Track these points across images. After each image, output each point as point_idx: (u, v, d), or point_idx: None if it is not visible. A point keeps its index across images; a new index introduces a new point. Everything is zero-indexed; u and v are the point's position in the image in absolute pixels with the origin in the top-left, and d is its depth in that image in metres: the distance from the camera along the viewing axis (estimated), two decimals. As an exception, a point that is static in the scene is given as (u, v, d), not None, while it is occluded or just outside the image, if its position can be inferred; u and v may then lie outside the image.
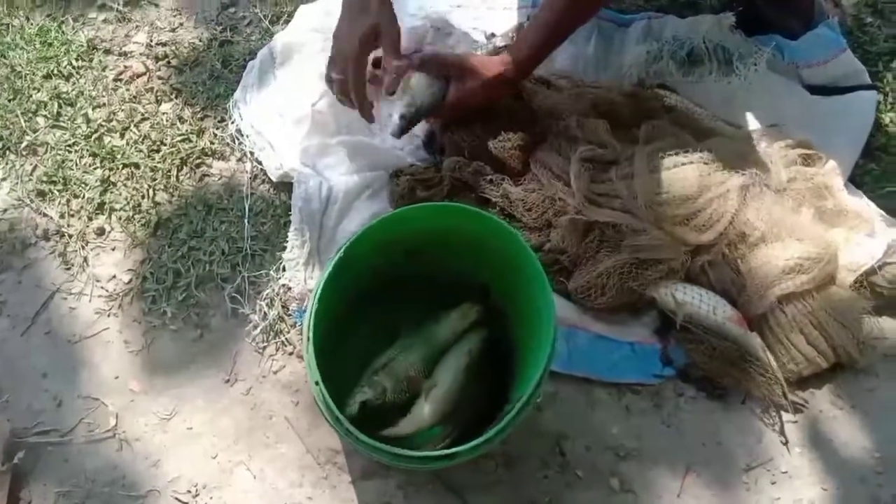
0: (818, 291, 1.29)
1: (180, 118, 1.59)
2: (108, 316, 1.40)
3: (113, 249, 1.46)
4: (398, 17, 1.59)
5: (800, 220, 1.35)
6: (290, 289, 1.38)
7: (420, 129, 1.50)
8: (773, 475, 1.25)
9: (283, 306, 1.38)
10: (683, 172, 1.31)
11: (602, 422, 1.30)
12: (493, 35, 1.62)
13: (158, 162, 1.53)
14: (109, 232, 1.47)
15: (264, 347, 1.36)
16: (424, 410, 1.22)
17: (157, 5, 1.79)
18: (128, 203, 1.49)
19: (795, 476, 1.25)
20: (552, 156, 1.39)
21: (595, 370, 1.32)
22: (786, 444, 1.27)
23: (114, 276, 1.43)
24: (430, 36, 1.62)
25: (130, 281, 1.43)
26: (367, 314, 1.31)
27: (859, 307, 1.31)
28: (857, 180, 1.48)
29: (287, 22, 1.71)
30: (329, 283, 1.12)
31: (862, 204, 1.42)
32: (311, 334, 1.07)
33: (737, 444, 1.28)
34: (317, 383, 1.05)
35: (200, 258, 1.43)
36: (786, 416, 1.29)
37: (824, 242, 1.31)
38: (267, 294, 1.39)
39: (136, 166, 1.52)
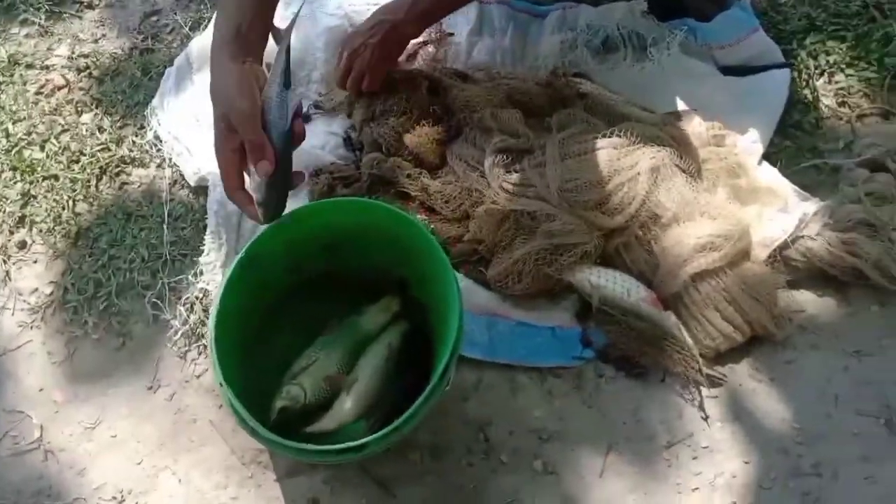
0: (731, 268, 1.30)
1: (100, 128, 1.59)
2: (31, 328, 1.40)
3: (35, 262, 1.46)
4: (316, 16, 1.61)
5: (713, 199, 1.36)
6: (208, 292, 1.37)
7: (339, 126, 1.51)
8: (694, 450, 1.26)
9: (203, 310, 1.38)
10: (594, 158, 1.33)
11: (525, 406, 1.30)
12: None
13: (78, 173, 1.53)
14: (31, 245, 1.47)
15: (186, 352, 1.36)
16: (346, 405, 1.22)
17: (80, 17, 1.80)
18: (48, 215, 1.49)
19: (716, 450, 1.26)
20: (467, 148, 1.41)
21: (517, 356, 1.33)
22: (706, 419, 1.28)
23: (36, 289, 1.43)
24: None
25: (52, 293, 1.42)
26: (290, 312, 1.31)
27: (773, 281, 1.32)
28: (772, 158, 1.49)
29: (207, 28, 1.71)
30: (233, 283, 1.12)
31: (776, 180, 1.43)
32: (213, 337, 1.07)
33: (657, 421, 1.28)
34: (221, 385, 1.05)
35: (121, 266, 1.43)
36: (705, 392, 1.29)
37: (736, 219, 1.32)
38: (187, 299, 1.39)
39: (56, 178, 1.52)
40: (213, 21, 1.65)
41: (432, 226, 1.38)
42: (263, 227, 1.16)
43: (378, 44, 1.44)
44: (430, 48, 1.57)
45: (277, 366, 1.24)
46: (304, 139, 1.17)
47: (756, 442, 1.26)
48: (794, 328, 1.34)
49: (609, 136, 1.36)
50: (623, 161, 1.34)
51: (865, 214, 1.36)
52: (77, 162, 1.54)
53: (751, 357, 1.33)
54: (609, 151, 1.34)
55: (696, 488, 1.23)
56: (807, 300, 1.37)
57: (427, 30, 1.57)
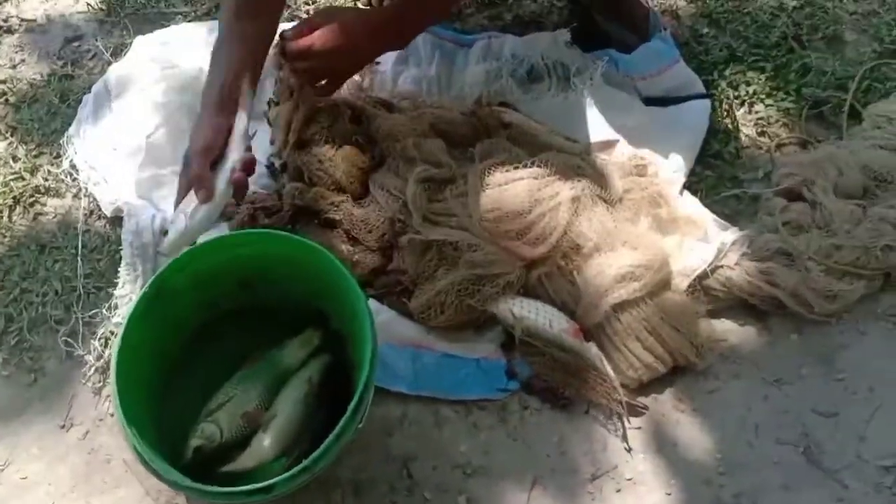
0: (652, 298, 1.31)
1: (14, 157, 1.54)
2: (-65, 366, 1.34)
3: (-62, 302, 1.40)
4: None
5: (634, 230, 1.37)
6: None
7: (261, 154, 1.48)
8: (618, 483, 1.25)
9: (118, 345, 1.33)
10: (515, 188, 1.33)
11: (450, 440, 1.29)
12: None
13: (-10, 204, 1.48)
14: (-64, 277, 1.42)
15: (101, 388, 1.32)
16: (264, 443, 1.19)
17: (-1, 42, 1.75)
18: (-44, 247, 1.43)
19: (640, 482, 1.26)
20: (390, 177, 1.40)
21: (441, 389, 1.31)
22: (629, 450, 1.28)
23: (-59, 325, 1.37)
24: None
25: (-41, 328, 1.37)
26: (210, 346, 1.28)
27: (693, 311, 1.33)
28: (693, 187, 1.52)
29: (127, 53, 1.68)
30: (139, 317, 1.09)
31: (696, 210, 1.45)
32: (115, 373, 1.04)
33: (582, 453, 1.28)
34: (124, 425, 1.02)
35: (33, 300, 1.39)
36: (629, 423, 1.29)
37: (656, 249, 1.33)
38: (102, 333, 1.34)
39: (-35, 210, 1.47)
40: (133, 47, 1.63)
41: (356, 256, 1.36)
42: (170, 260, 1.13)
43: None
44: (356, 76, 1.55)
45: (197, 401, 1.21)
46: (245, 190, 1.24)
47: (679, 473, 1.26)
48: (716, 357, 1.35)
49: (530, 167, 1.36)
50: (544, 191, 1.34)
51: (782, 244, 1.38)
52: (-11, 193, 1.49)
53: (674, 387, 1.34)
54: (530, 182, 1.34)
55: (619, 522, 1.23)
56: (728, 329, 1.38)
57: None
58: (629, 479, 1.26)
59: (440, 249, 1.32)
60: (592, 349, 1.28)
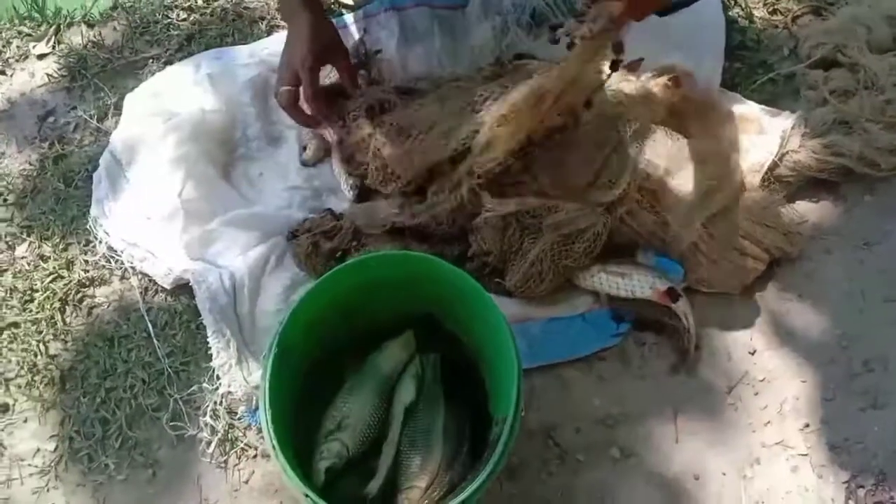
0: (734, 203, 1.30)
1: (42, 257, 1.45)
2: (48, 491, 1.28)
3: (25, 421, 1.33)
4: (232, 71, 1.51)
5: (696, 143, 1.36)
6: (232, 394, 1.28)
7: (297, 177, 1.45)
8: (753, 386, 1.27)
9: (229, 413, 1.29)
10: (574, 137, 1.29)
11: (582, 399, 1.28)
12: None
13: (37, 312, 1.40)
14: (14, 405, 1.34)
15: (226, 461, 1.27)
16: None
17: (-34, 141, 1.63)
18: (21, 368, 1.36)
19: (772, 379, 1.27)
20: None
21: (557, 353, 1.30)
22: (753, 353, 1.29)
23: (38, 450, 1.31)
24: (274, 79, 1.54)
25: (57, 447, 1.30)
26: (320, 380, 1.24)
27: (775, 203, 1.35)
28: (729, 83, 1.50)
29: (116, 115, 1.58)
30: (274, 382, 1.05)
31: (742, 106, 1.44)
32: (276, 448, 1.00)
33: (710, 369, 1.29)
34: (307, 496, 0.98)
35: (122, 396, 1.32)
36: (745, 327, 1.31)
37: (724, 156, 1.32)
38: (207, 407, 1.29)
39: (16, 325, 1.39)
40: (124, 108, 1.53)
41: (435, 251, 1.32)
42: (283, 320, 1.09)
43: None
44: (362, 72, 1.49)
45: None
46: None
47: (806, 359, 1.29)
48: (804, 240, 1.36)
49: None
50: (601, 133, 1.31)
51: (836, 114, 1.39)
52: (31, 301, 1.41)
53: (774, 280, 1.35)
54: (585, 129, 1.30)
55: (768, 422, 1.24)
56: (806, 209, 1.40)
57: (353, 52, 1.50)
58: (762, 380, 1.28)
59: (519, 221, 1.29)
60: (680, 306, 1.28)
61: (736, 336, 1.31)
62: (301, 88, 1.40)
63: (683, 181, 1.31)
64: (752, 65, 1.53)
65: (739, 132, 1.39)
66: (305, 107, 1.42)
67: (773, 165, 1.36)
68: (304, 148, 1.48)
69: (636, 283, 1.28)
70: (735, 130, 1.40)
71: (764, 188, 1.35)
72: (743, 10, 1.57)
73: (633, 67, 1.46)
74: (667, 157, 1.32)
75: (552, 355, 1.30)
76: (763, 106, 1.44)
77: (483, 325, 1.15)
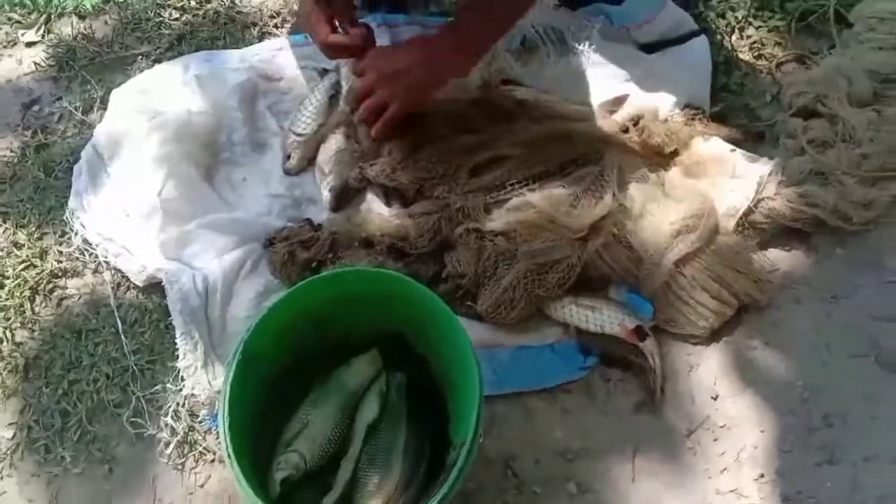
0: (708, 245, 1.32)
1: (16, 244, 1.44)
2: (2, 478, 1.27)
3: (-15, 408, 1.32)
4: (221, 75, 1.51)
5: (672, 179, 1.37)
6: (195, 396, 1.28)
7: (279, 184, 1.45)
8: (714, 432, 1.28)
9: (190, 415, 1.28)
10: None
11: (543, 430, 1.29)
12: (325, 70, 1.56)
13: (6, 299, 1.39)
14: (-25, 390, 1.33)
15: (183, 463, 1.26)
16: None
17: (-52, 124, 1.62)
18: (-14, 353, 1.35)
19: (733, 426, 1.28)
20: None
21: (523, 382, 1.31)
22: (716, 398, 1.31)
23: (-5, 437, 1.30)
24: (262, 86, 1.55)
25: (15, 435, 1.29)
26: (285, 390, 1.24)
27: (747, 249, 1.36)
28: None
29: (102, 107, 1.58)
30: (236, 389, 1.05)
31: (721, 147, 1.45)
32: (231, 451, 1.00)
33: (673, 411, 1.29)
34: (259, 505, 0.98)
35: (85, 389, 1.31)
36: (709, 371, 1.32)
37: (700, 197, 1.34)
38: (169, 408, 1.29)
39: (-17, 310, 1.38)
40: (111, 103, 1.53)
41: (409, 269, 1.33)
42: (251, 325, 1.09)
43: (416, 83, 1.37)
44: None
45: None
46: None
47: (766, 408, 1.30)
48: (774, 289, 1.37)
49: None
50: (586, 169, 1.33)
51: (813, 164, 1.40)
52: (1, 287, 1.40)
53: (742, 326, 1.36)
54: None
55: (725, 469, 1.25)
56: (778, 258, 1.41)
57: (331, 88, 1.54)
58: (722, 426, 1.29)
59: (496, 245, 1.30)
60: (647, 346, 1.29)
61: (700, 379, 1.32)
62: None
63: (659, 218, 1.32)
64: (733, 107, 1.55)
65: (714, 174, 1.41)
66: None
67: (748, 211, 1.37)
68: (288, 157, 1.49)
69: (605, 319, 1.29)
70: (713, 171, 1.42)
71: (738, 233, 1.37)
72: (729, 52, 1.59)
73: (619, 102, 1.48)
74: (645, 193, 1.33)
75: (518, 384, 1.31)
76: (742, 150, 1.45)
77: (450, 349, 1.15)
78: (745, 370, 1.33)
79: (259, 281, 1.36)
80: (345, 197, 1.44)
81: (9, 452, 1.28)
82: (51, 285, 1.41)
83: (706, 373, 1.32)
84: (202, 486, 1.26)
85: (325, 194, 1.44)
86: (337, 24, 1.41)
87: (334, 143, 1.46)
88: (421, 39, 1.41)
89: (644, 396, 1.30)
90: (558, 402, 1.31)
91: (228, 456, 1.02)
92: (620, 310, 1.30)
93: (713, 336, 1.34)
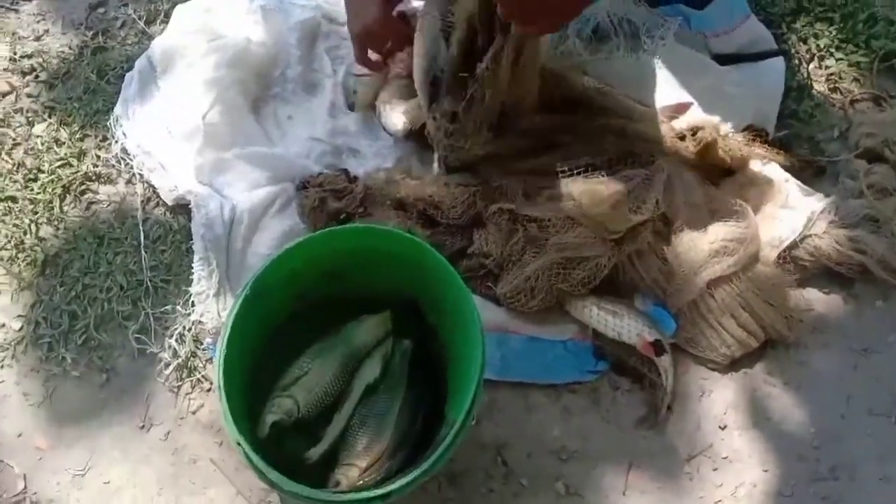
0: (744, 272, 1.28)
1: (57, 140, 1.45)
2: (2, 368, 1.29)
3: (-3, 294, 1.33)
4: (286, 8, 1.49)
5: (719, 197, 1.33)
6: (202, 323, 1.28)
7: (322, 130, 1.43)
8: (714, 462, 1.25)
9: (195, 341, 1.28)
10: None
11: (542, 425, 1.27)
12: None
13: (38, 192, 1.40)
14: (-8, 276, 1.34)
15: (179, 386, 1.27)
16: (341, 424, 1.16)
17: (16, 11, 1.63)
18: (9, 241, 1.36)
19: (736, 460, 1.25)
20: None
21: (530, 374, 1.29)
22: (723, 428, 1.27)
23: (2, 325, 1.32)
24: (325, 27, 1.52)
25: (22, 328, 1.31)
26: (293, 335, 1.23)
27: (784, 283, 1.31)
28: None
29: (165, 21, 1.57)
30: (238, 323, 1.04)
31: (777, 174, 1.40)
32: (222, 384, 0.99)
33: (676, 433, 1.26)
34: (239, 444, 0.97)
35: (97, 296, 1.32)
36: (721, 399, 1.28)
37: (745, 221, 1.30)
38: (175, 330, 1.29)
39: (14, 200, 1.39)
40: (174, 17, 1.52)
41: (435, 239, 1.31)
42: (265, 262, 1.08)
43: None
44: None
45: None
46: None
47: (774, 448, 1.26)
48: (805, 328, 1.33)
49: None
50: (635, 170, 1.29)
51: (869, 209, 1.35)
52: (35, 180, 1.40)
53: (764, 361, 1.32)
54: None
55: (719, 501, 1.22)
56: (814, 298, 1.36)
57: None
58: (725, 458, 1.25)
59: (527, 231, 1.27)
60: (663, 362, 1.25)
61: (710, 406, 1.28)
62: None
63: (699, 235, 1.28)
64: (798, 136, 1.49)
65: (765, 201, 1.37)
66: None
67: (793, 245, 1.33)
68: (354, 92, 1.47)
69: (625, 326, 1.26)
70: (764, 197, 1.38)
71: (777, 265, 1.32)
72: (804, 79, 1.53)
73: (681, 109, 1.43)
74: (691, 204, 1.29)
75: (524, 374, 1.29)
76: (799, 182, 1.40)
77: (459, 325, 1.13)
78: (758, 405, 1.29)
79: (286, 222, 1.35)
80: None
81: (13, 344, 1.30)
82: (83, 187, 1.41)
83: (718, 400, 1.28)
84: (194, 412, 1.26)
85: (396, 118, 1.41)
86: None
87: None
88: None
89: (649, 412, 1.27)
90: (562, 400, 1.29)
91: (219, 387, 1.02)
92: (642, 320, 1.26)
93: (732, 364, 1.30)
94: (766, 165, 1.41)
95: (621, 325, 1.26)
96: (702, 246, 1.27)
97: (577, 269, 1.25)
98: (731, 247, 1.27)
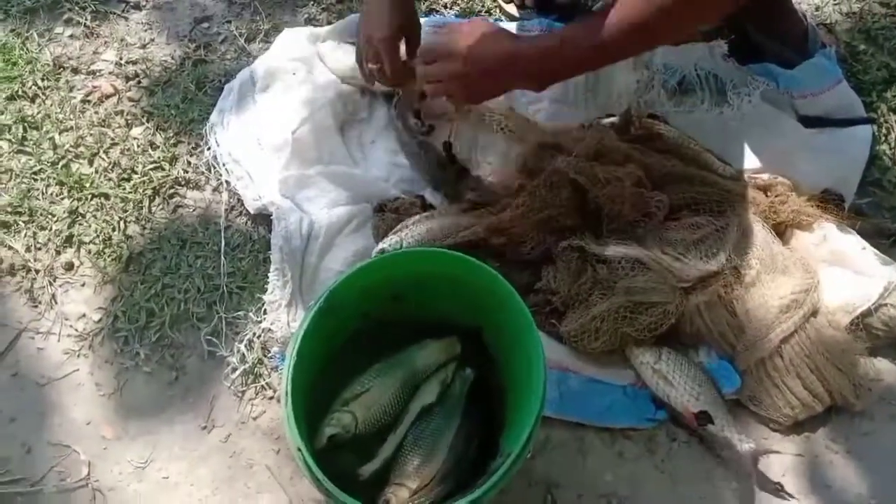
0: (808, 321, 1.27)
1: (152, 144, 1.52)
2: (79, 357, 1.34)
3: (82, 285, 1.39)
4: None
5: (791, 255, 1.33)
6: (272, 332, 1.32)
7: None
8: (769, 526, 1.23)
9: (262, 348, 1.32)
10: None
11: (594, 468, 1.26)
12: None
13: (129, 192, 1.46)
14: (78, 267, 1.41)
15: (243, 392, 1.31)
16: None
17: (126, 18, 1.72)
18: (97, 236, 1.42)
19: (791, 526, 1.23)
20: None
21: (587, 414, 1.28)
22: (781, 490, 1.25)
23: (83, 315, 1.37)
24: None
25: (101, 320, 1.36)
26: (352, 353, 1.25)
27: (855, 350, 1.29)
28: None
29: (264, 41, 1.64)
30: (310, 333, 1.07)
31: (851, 240, 1.39)
32: (289, 391, 1.02)
33: (731, 492, 1.24)
34: (299, 450, 1.00)
35: (175, 296, 1.37)
36: (780, 461, 1.26)
37: (807, 270, 1.31)
38: (246, 336, 1.33)
39: (106, 196, 1.45)
40: (280, 41, 1.59)
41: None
42: (341, 276, 1.11)
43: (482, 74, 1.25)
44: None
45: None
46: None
47: (831, 518, 1.23)
48: (873, 398, 1.30)
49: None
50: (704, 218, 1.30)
51: (947, 284, 1.32)
52: (128, 180, 1.47)
53: (827, 427, 1.29)
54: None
55: (770, 566, 1.20)
56: (884, 369, 1.33)
57: None
58: (779, 523, 1.23)
59: (596, 272, 1.28)
60: (710, 429, 1.24)
61: (768, 467, 1.25)
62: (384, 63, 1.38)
63: (769, 291, 1.27)
64: (880, 205, 1.47)
65: (839, 265, 1.35)
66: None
67: (867, 312, 1.30)
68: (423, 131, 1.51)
69: (673, 393, 1.25)
70: (838, 261, 1.36)
71: (849, 331, 1.30)
72: (891, 149, 1.51)
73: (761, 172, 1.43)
74: (764, 259, 1.29)
75: (581, 414, 1.28)
76: (876, 251, 1.38)
77: (522, 358, 1.14)
78: (818, 471, 1.26)
79: (360, 241, 1.38)
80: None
81: (91, 335, 1.35)
82: (172, 191, 1.47)
83: (777, 463, 1.26)
84: (255, 418, 1.29)
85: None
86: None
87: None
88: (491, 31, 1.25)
89: (707, 466, 1.25)
90: (616, 445, 1.28)
91: (286, 394, 1.04)
92: (694, 385, 1.24)
93: (795, 427, 1.28)
94: (844, 231, 1.40)
95: (671, 391, 1.25)
96: (772, 302, 1.26)
97: (644, 315, 1.25)
98: (799, 299, 1.26)
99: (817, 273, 1.33)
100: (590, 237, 1.32)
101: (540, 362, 1.08)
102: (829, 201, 1.43)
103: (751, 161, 1.46)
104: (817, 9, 1.75)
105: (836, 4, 1.75)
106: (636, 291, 1.25)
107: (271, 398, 1.30)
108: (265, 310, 1.33)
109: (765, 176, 1.44)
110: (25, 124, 1.53)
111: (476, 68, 1.24)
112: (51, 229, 1.43)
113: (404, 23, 1.38)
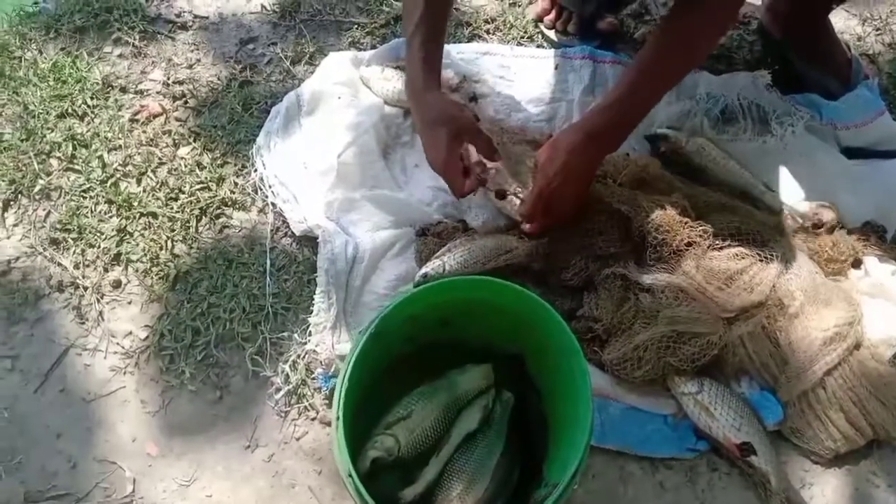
0: (851, 353, 1.27)
1: (199, 164, 1.54)
2: (125, 374, 1.36)
3: (129, 303, 1.41)
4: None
5: (831, 288, 1.34)
6: (316, 353, 1.33)
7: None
8: (808, 558, 1.22)
9: (307, 369, 1.34)
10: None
11: (635, 498, 1.26)
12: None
13: (177, 211, 1.48)
14: (126, 285, 1.43)
15: (287, 412, 1.32)
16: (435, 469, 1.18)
17: (173, 39, 1.74)
18: (145, 255, 1.44)
19: (831, 559, 1.22)
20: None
21: (628, 443, 1.29)
22: (822, 524, 1.25)
23: (130, 332, 1.39)
24: (456, 83, 1.58)
25: (147, 337, 1.38)
26: (395, 377, 1.27)
27: (898, 383, 1.29)
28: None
29: (309, 63, 1.67)
30: (361, 357, 1.09)
31: (893, 273, 1.38)
32: (340, 419, 1.03)
33: (772, 523, 1.25)
34: (350, 476, 1.01)
35: (220, 315, 1.39)
36: (822, 495, 1.26)
37: (850, 304, 1.31)
38: (290, 356, 1.35)
39: (154, 216, 1.48)
40: (327, 64, 1.61)
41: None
42: (391, 303, 1.12)
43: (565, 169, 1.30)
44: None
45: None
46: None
47: (871, 552, 1.23)
48: (916, 433, 1.30)
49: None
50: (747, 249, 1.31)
51: None
52: (176, 200, 1.50)
53: (869, 459, 1.29)
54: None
55: None
56: (928, 404, 1.33)
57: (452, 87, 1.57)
58: (819, 555, 1.23)
59: (639, 300, 1.29)
60: (753, 461, 1.24)
61: (809, 499, 1.26)
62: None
63: (812, 323, 1.28)
64: (921, 239, 1.47)
65: (882, 297, 1.35)
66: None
67: (910, 346, 1.30)
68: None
69: (714, 425, 1.25)
70: (883, 294, 1.36)
71: (892, 364, 1.30)
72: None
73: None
74: (807, 290, 1.29)
75: (622, 443, 1.29)
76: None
77: (565, 384, 1.15)
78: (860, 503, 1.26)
79: (403, 265, 1.40)
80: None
81: (137, 352, 1.37)
82: (218, 211, 1.49)
83: (818, 496, 1.26)
84: (298, 439, 1.30)
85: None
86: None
87: None
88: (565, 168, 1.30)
89: (748, 496, 1.25)
90: (658, 474, 1.28)
91: (338, 418, 1.06)
92: (736, 416, 1.25)
93: (836, 460, 1.28)
94: (886, 263, 1.39)
95: (712, 423, 1.25)
96: (816, 334, 1.26)
97: (688, 345, 1.26)
98: (843, 331, 1.26)
99: (860, 305, 1.33)
100: (633, 265, 1.33)
101: (587, 391, 1.09)
102: (871, 233, 1.43)
103: (793, 191, 1.46)
104: (859, 39, 1.75)
105: (878, 35, 1.76)
106: (680, 321, 1.26)
107: (314, 419, 1.31)
108: (310, 331, 1.34)
109: (813, 204, 1.45)
110: (75, 142, 1.56)
111: (578, 199, 1.35)
112: (99, 247, 1.45)
113: (461, 127, 1.36)
